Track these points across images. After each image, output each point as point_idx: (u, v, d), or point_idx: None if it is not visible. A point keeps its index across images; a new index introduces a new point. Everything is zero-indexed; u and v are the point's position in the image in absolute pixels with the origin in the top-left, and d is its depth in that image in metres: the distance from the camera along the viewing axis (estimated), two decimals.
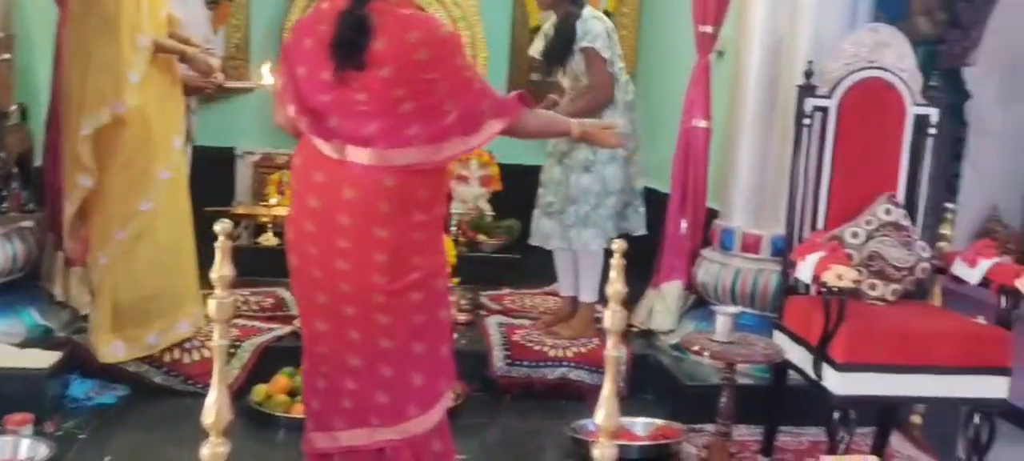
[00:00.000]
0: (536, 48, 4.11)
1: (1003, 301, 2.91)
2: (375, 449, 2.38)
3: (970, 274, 3.00)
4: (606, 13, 6.25)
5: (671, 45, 5.46)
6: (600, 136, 2.72)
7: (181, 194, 3.67)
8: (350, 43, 2.17)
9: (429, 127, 2.26)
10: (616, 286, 2.01)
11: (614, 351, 2.04)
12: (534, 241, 4.13)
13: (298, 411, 3.34)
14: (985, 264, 2.95)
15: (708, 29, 4.08)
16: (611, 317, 2.02)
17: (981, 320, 3.02)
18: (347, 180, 2.24)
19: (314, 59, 2.25)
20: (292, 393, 3.43)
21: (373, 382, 2.36)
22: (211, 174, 5.28)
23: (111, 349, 3.47)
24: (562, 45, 3.81)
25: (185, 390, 3.52)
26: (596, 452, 2.10)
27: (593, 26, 3.82)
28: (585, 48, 3.78)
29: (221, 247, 1.61)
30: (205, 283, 1.76)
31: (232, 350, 3.62)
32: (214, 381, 1.67)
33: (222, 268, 1.62)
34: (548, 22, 4.07)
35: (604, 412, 2.07)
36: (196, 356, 3.60)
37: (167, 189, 3.54)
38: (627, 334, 4.20)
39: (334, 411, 2.40)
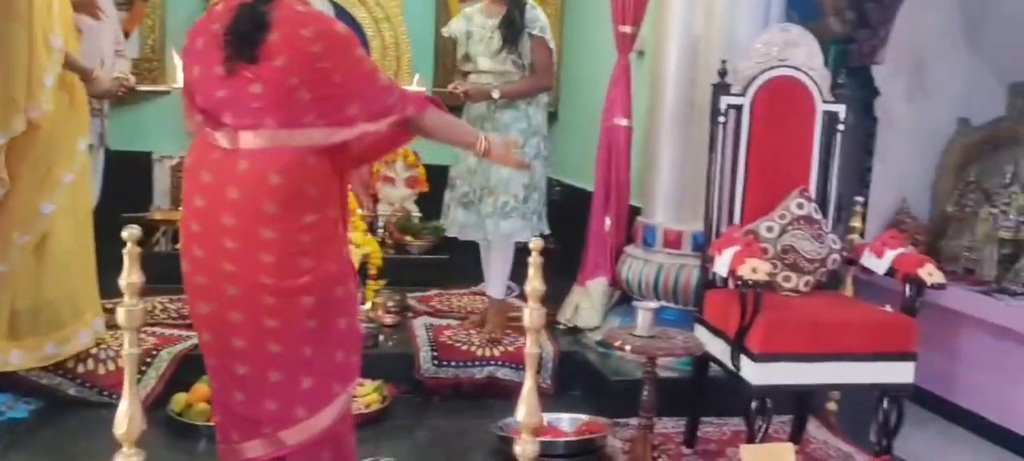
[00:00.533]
0: (455, 28, 4.10)
1: (908, 289, 3.03)
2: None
3: (877, 265, 3.11)
4: None
5: (592, 45, 5.54)
6: (504, 156, 2.65)
7: (82, 198, 3.57)
8: (245, 34, 2.14)
9: (328, 119, 2.22)
10: (534, 283, 2.04)
11: (533, 349, 2.08)
12: (450, 232, 4.15)
13: None
14: (891, 254, 3.06)
15: (627, 29, 4.15)
16: (530, 315, 2.06)
17: (888, 308, 3.12)
18: (233, 180, 2.18)
19: (207, 57, 2.21)
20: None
21: (262, 390, 2.26)
22: (128, 179, 5.17)
23: (6, 358, 3.34)
24: (516, 28, 3.88)
25: (100, 401, 3.43)
26: (518, 448, 2.13)
27: (541, 15, 3.97)
28: (535, 35, 3.90)
29: (129, 253, 1.59)
30: (115, 291, 1.71)
31: (149, 359, 3.54)
32: (125, 390, 1.65)
33: (131, 275, 1.60)
34: (473, 7, 4.11)
35: (525, 409, 2.10)
36: (111, 367, 3.51)
37: (69, 193, 3.44)
38: (554, 331, 4.25)
39: (230, 423, 2.33)
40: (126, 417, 1.64)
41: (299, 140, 2.19)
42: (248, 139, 2.17)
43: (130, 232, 1.60)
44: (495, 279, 4.09)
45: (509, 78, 3.91)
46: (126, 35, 5.23)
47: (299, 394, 2.26)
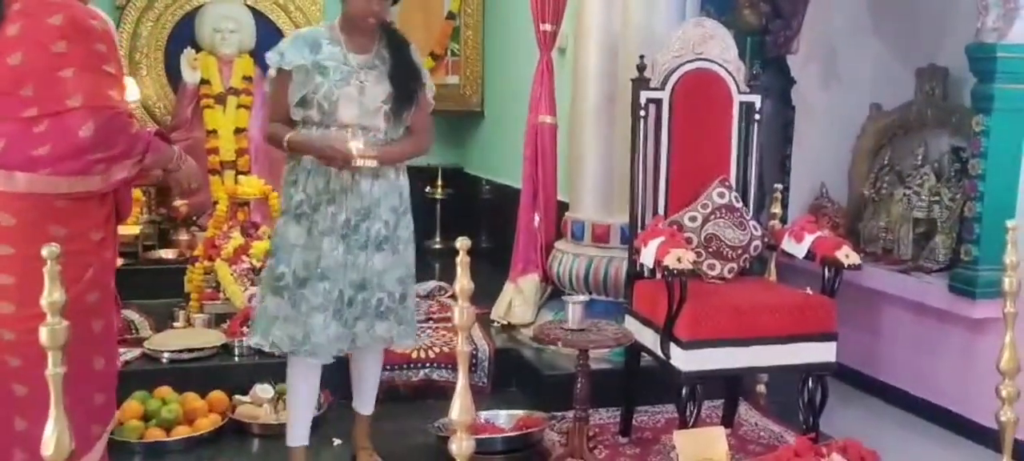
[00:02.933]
0: (293, 57, 2.78)
1: (826, 272, 3.13)
2: None
3: (797, 249, 3.20)
4: (450, 14, 6.37)
5: (515, 43, 5.58)
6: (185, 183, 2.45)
7: None
8: None
9: (61, 144, 2.02)
10: (462, 282, 2.06)
11: (465, 347, 2.09)
12: (320, 356, 3.66)
13: (152, 435, 3.25)
14: (809, 238, 3.16)
15: (548, 27, 4.20)
16: (459, 314, 2.07)
17: (809, 291, 3.22)
18: None
19: None
20: (145, 417, 3.32)
21: (9, 439, 2.00)
22: None
23: None
24: (416, 84, 2.94)
25: None
26: (453, 447, 2.15)
27: (421, 61, 3.05)
28: (426, 98, 3.01)
29: (49, 272, 1.56)
30: None
31: None
32: (52, 411, 1.62)
33: (52, 293, 1.57)
34: (314, 30, 2.94)
35: (459, 407, 2.12)
36: None
37: None
38: (489, 329, 4.28)
39: None
40: (53, 437, 1.61)
41: (38, 187, 2.01)
42: None
43: (49, 251, 1.57)
44: (369, 390, 3.22)
45: (375, 136, 2.83)
46: None
47: None
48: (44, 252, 1.57)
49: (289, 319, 2.81)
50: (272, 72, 2.84)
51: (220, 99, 5.27)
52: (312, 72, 2.77)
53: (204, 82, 5.29)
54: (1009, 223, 2.20)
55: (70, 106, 2.05)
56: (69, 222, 2.05)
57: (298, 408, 2.98)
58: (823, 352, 3.06)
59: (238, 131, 5.26)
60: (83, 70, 2.08)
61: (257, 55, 5.43)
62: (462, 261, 2.06)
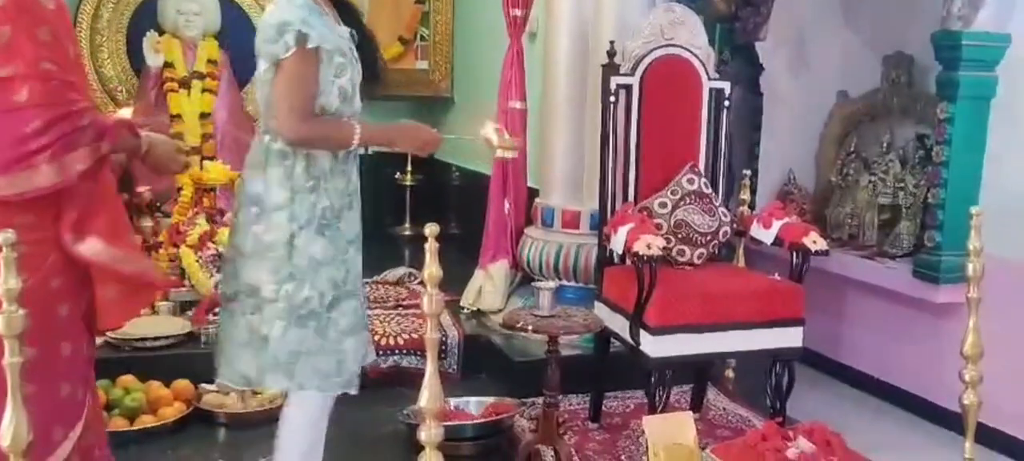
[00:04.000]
0: (323, 34, 2.32)
1: (794, 257, 3.15)
2: None
3: (765, 235, 3.22)
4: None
5: (485, 29, 5.55)
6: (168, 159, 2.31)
7: None
8: None
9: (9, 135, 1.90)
10: (431, 269, 2.04)
11: (433, 334, 2.08)
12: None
13: (115, 425, 3.20)
14: (777, 224, 3.18)
15: (518, 12, 4.18)
16: (428, 301, 2.06)
17: (777, 276, 3.24)
18: None
19: None
20: (108, 407, 3.27)
21: None
22: None
23: None
24: (381, 63, 2.68)
25: None
26: (422, 434, 2.14)
27: None
28: None
29: (5, 259, 1.52)
30: None
31: None
32: (10, 400, 1.58)
33: (8, 281, 1.53)
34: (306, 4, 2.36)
35: (428, 394, 2.10)
36: None
37: None
38: (459, 316, 4.26)
39: None
40: (11, 428, 1.58)
41: None
42: None
43: (5, 237, 1.53)
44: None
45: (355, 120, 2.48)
46: None
47: None
48: (0, 239, 1.53)
49: (315, 351, 2.40)
50: (307, 48, 2.28)
51: (184, 83, 5.18)
52: (333, 52, 2.35)
53: (167, 65, 5.20)
54: (973, 209, 2.23)
55: (17, 103, 1.93)
56: (25, 213, 1.94)
57: (316, 453, 2.55)
58: (790, 337, 3.08)
59: (203, 116, 5.17)
60: (26, 58, 1.94)
61: (222, 39, 5.35)
62: (430, 248, 2.04)
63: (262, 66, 2.37)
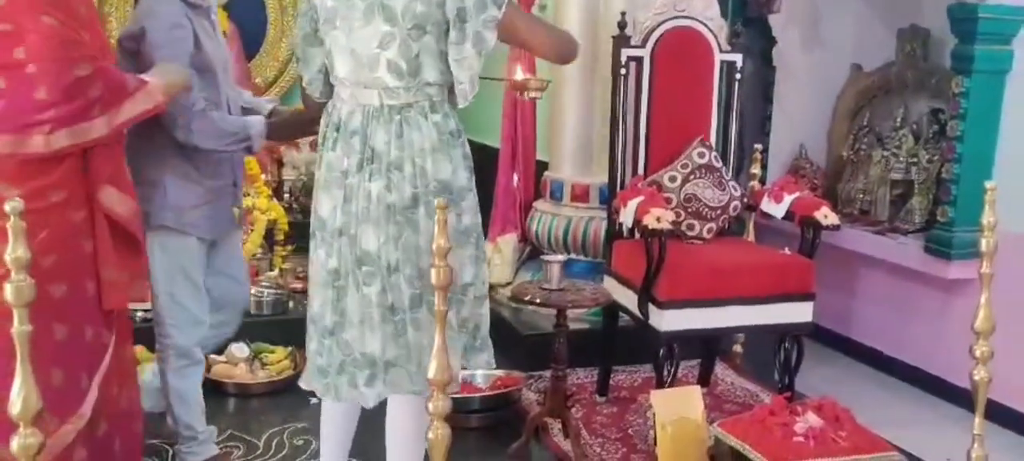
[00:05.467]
0: None
1: (805, 232, 3.13)
2: None
3: (776, 209, 3.20)
4: None
5: None
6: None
7: None
8: None
9: (14, 103, 1.88)
10: (439, 241, 2.04)
11: (441, 306, 2.08)
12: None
13: None
14: (788, 199, 3.16)
15: None
16: (436, 273, 2.05)
17: (787, 251, 3.22)
18: None
19: None
20: None
21: None
22: None
23: None
24: None
25: None
26: (430, 406, 2.14)
27: None
28: None
29: (13, 228, 1.52)
30: None
31: None
32: (19, 369, 1.59)
33: (16, 250, 1.53)
34: None
35: (436, 366, 2.10)
36: None
37: None
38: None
39: None
40: (21, 397, 1.58)
41: None
42: None
43: (13, 205, 1.52)
44: None
45: None
46: None
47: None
48: (7, 207, 1.52)
49: None
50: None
51: None
52: None
53: None
54: (987, 184, 2.20)
55: (16, 58, 1.90)
56: (21, 181, 1.92)
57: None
58: (800, 312, 3.07)
59: None
60: (26, 20, 1.91)
61: (232, 9, 5.31)
62: (439, 220, 2.03)
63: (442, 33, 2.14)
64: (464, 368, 2.43)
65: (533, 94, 2.69)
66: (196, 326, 2.67)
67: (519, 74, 2.80)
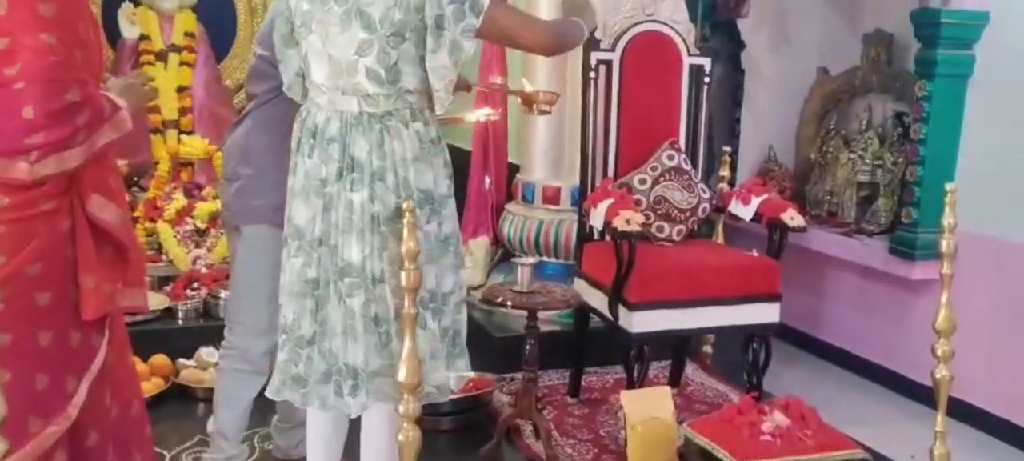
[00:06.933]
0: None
1: (772, 234, 3.17)
2: None
3: (744, 211, 3.24)
4: None
5: None
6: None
7: None
8: None
9: (4, 124, 1.84)
10: (408, 244, 2.05)
11: (411, 309, 2.09)
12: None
13: None
14: (756, 201, 3.19)
15: None
16: (405, 276, 2.06)
17: (755, 253, 3.26)
18: None
19: None
20: None
21: None
22: None
23: None
24: None
25: None
26: (400, 408, 2.15)
27: None
28: None
29: None
30: None
31: None
32: None
33: None
34: None
35: (405, 370, 2.12)
36: None
37: None
38: None
39: None
40: None
41: None
42: None
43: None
44: None
45: None
46: None
47: None
48: None
49: None
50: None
51: (161, 56, 5.11)
52: None
53: (143, 38, 5.13)
54: (948, 186, 2.25)
55: (8, 76, 1.86)
56: (11, 192, 1.88)
57: None
58: (768, 313, 3.11)
59: (180, 89, 5.11)
60: (23, 36, 1.86)
61: (199, 11, 5.28)
62: (408, 222, 2.04)
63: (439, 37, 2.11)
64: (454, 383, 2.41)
65: (543, 108, 2.67)
66: (267, 333, 2.55)
67: (527, 87, 2.74)
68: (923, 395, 3.51)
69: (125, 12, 5.19)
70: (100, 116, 1.98)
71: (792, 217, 3.09)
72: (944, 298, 2.22)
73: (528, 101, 2.68)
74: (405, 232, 2.03)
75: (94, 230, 2.04)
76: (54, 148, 1.88)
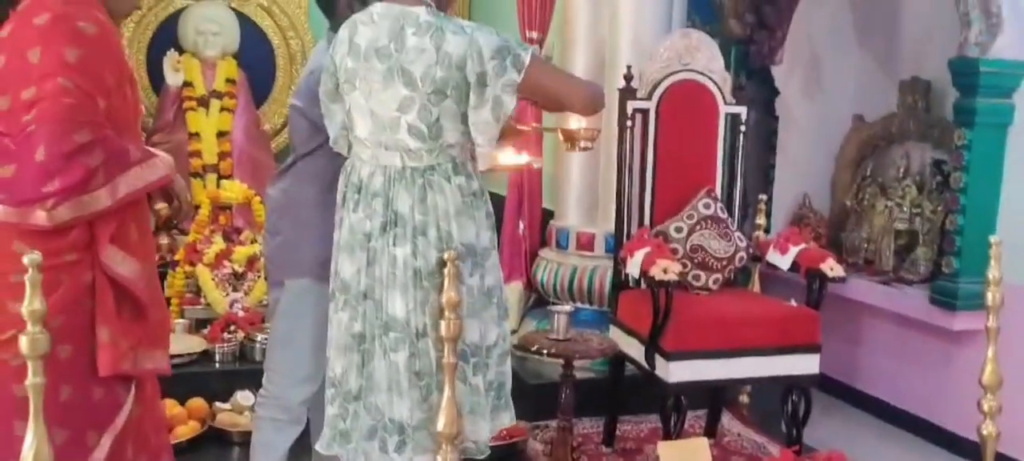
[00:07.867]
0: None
1: (811, 284, 3.14)
2: None
3: (782, 261, 3.21)
4: None
5: None
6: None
7: None
8: None
9: (22, 171, 1.87)
10: (449, 293, 2.06)
11: (450, 358, 2.09)
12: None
13: None
14: (794, 250, 3.17)
15: (535, 35, 4.20)
16: (445, 325, 2.07)
17: (793, 302, 3.23)
18: None
19: None
20: None
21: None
22: None
23: None
24: None
25: None
26: (439, 457, 2.15)
27: None
28: None
29: (31, 280, 1.53)
30: None
31: None
32: (31, 422, 1.59)
33: (33, 302, 1.54)
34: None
35: (444, 420, 2.11)
36: None
37: None
38: None
39: None
40: (32, 451, 1.58)
41: None
42: None
43: (31, 258, 1.53)
44: None
45: None
46: None
47: None
48: (25, 260, 1.53)
49: None
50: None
51: (203, 102, 5.23)
52: None
53: (187, 84, 5.25)
54: (992, 238, 2.22)
55: (25, 122, 1.86)
56: (36, 242, 1.86)
57: None
58: (807, 364, 3.07)
59: (221, 134, 5.21)
60: (44, 82, 1.87)
61: (240, 58, 5.39)
62: (449, 272, 2.05)
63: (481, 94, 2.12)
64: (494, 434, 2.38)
65: (584, 144, 2.68)
66: (306, 383, 2.55)
67: (572, 123, 2.70)
68: (967, 449, 3.44)
69: (170, 59, 5.32)
70: (122, 159, 1.96)
71: (832, 267, 3.06)
72: (990, 353, 2.18)
73: (570, 138, 2.68)
74: (446, 282, 2.04)
75: (114, 284, 2.02)
76: (70, 193, 1.88)
